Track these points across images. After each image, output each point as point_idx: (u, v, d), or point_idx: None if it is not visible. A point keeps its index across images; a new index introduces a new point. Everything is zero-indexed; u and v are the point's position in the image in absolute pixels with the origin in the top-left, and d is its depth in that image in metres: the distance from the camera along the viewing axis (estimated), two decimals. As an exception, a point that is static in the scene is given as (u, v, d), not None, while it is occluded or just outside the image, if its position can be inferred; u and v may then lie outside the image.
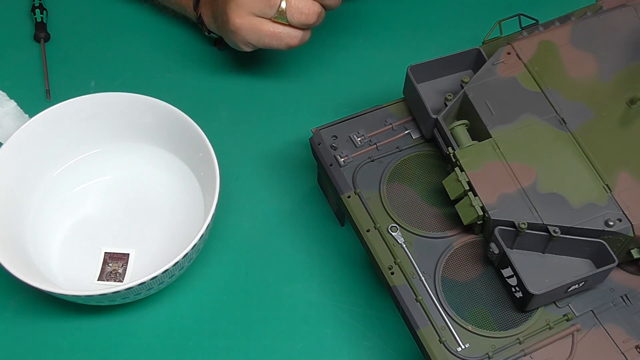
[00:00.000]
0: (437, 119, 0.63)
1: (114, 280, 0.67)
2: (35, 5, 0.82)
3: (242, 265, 0.70)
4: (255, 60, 0.81)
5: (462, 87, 0.64)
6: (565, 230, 0.58)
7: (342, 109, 0.78)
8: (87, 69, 0.80)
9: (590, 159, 0.60)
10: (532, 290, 0.56)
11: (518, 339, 0.58)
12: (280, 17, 0.69)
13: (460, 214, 0.60)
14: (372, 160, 0.66)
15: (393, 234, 0.62)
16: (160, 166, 0.73)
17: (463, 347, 0.58)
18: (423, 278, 0.60)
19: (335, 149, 0.66)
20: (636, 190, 0.59)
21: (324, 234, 0.71)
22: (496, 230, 0.58)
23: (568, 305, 0.59)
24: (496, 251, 0.58)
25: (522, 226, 0.57)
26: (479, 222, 0.60)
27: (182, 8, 0.78)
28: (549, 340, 0.58)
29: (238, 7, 0.69)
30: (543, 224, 0.58)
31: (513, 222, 0.58)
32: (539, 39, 0.66)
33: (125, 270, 0.68)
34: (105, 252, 0.69)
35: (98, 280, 0.67)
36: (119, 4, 0.85)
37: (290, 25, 0.70)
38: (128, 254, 0.69)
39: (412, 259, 0.61)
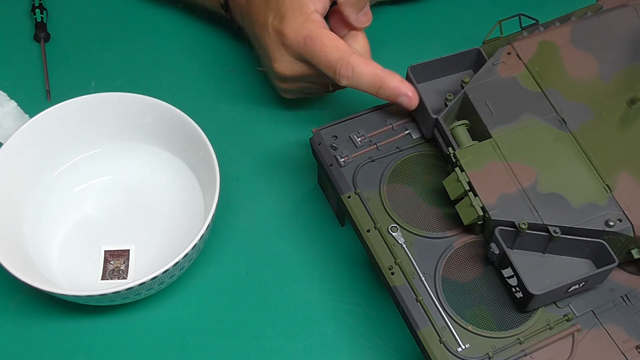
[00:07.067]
0: (437, 119, 0.63)
1: (118, 278, 0.67)
2: (35, 5, 0.82)
3: (242, 265, 0.70)
4: (255, 60, 0.81)
5: (462, 87, 0.64)
6: (565, 230, 0.58)
7: (342, 109, 0.78)
8: (87, 69, 0.80)
9: (590, 159, 0.60)
10: (532, 291, 0.56)
11: (518, 339, 0.58)
12: None
13: (460, 214, 0.60)
14: (373, 161, 0.66)
15: (393, 234, 0.62)
16: (160, 166, 0.73)
17: (463, 347, 0.58)
18: (423, 278, 0.60)
19: (335, 149, 0.66)
20: (636, 191, 0.59)
21: (324, 234, 0.71)
22: (496, 231, 0.58)
23: (568, 305, 0.59)
24: (496, 251, 0.58)
25: (523, 226, 0.57)
26: (479, 222, 0.60)
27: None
28: (550, 341, 0.58)
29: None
30: (543, 224, 0.58)
31: (513, 222, 0.58)
32: (539, 39, 0.66)
33: (127, 266, 0.68)
34: (105, 251, 0.69)
35: (102, 279, 0.67)
36: (119, 3, 0.85)
37: None
38: (128, 250, 0.69)
39: (413, 259, 0.61)
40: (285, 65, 0.68)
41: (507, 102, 0.63)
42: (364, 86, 0.65)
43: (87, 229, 0.70)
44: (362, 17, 0.68)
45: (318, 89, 0.73)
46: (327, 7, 0.68)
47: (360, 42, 0.69)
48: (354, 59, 0.65)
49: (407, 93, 0.64)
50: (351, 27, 0.69)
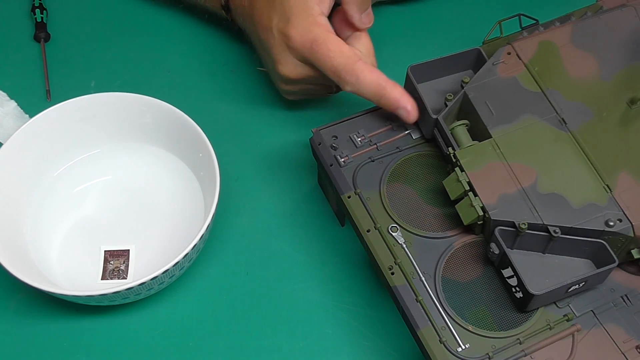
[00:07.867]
0: (437, 119, 0.63)
1: (118, 278, 0.67)
2: (35, 5, 0.82)
3: (242, 265, 0.70)
4: (255, 61, 0.81)
5: (462, 87, 0.64)
6: (565, 230, 0.58)
7: (342, 109, 0.78)
8: (87, 69, 0.80)
9: (590, 159, 0.60)
10: (532, 291, 0.56)
11: (518, 339, 0.58)
12: None
13: (460, 214, 0.60)
14: (373, 161, 0.66)
15: (393, 234, 0.62)
16: (160, 166, 0.73)
17: (463, 347, 0.58)
18: (423, 278, 0.60)
19: (335, 149, 0.66)
20: (636, 191, 0.59)
21: (324, 234, 0.71)
22: (496, 231, 0.58)
23: (568, 305, 0.59)
24: (496, 251, 0.58)
25: (523, 226, 0.57)
26: (479, 223, 0.60)
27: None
28: (549, 341, 0.58)
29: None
30: (543, 224, 0.58)
31: (513, 222, 0.58)
32: (539, 39, 0.66)
33: (127, 267, 0.68)
34: (105, 251, 0.69)
35: (102, 279, 0.67)
36: (119, 3, 0.85)
37: None
38: (128, 250, 0.69)
39: (412, 259, 0.61)
40: (289, 67, 0.69)
41: (507, 102, 0.63)
42: (366, 94, 0.66)
43: (87, 229, 0.70)
44: (364, 17, 0.68)
45: (321, 91, 0.73)
46: (331, 7, 0.68)
47: (363, 42, 0.69)
48: (359, 67, 0.65)
49: (406, 107, 0.65)
50: (354, 28, 0.69)
